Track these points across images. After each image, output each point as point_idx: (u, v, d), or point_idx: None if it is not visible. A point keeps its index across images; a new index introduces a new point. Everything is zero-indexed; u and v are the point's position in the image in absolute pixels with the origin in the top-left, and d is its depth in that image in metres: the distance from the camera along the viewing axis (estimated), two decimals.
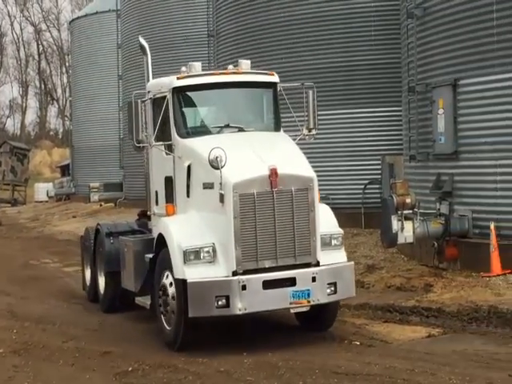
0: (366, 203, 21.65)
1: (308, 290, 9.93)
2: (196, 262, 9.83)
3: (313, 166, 10.47)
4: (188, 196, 10.74)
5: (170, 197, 11.20)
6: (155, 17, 34.74)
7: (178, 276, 9.95)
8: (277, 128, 11.54)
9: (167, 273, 10.29)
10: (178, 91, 11.06)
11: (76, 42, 47.53)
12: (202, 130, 11.34)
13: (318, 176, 10.26)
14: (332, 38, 23.05)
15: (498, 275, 13.95)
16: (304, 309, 10.11)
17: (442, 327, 11.15)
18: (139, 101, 10.92)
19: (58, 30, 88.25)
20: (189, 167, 10.65)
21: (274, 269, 9.87)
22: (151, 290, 10.99)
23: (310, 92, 11.39)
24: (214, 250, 9.84)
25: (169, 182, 11.27)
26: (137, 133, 10.82)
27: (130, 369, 9.43)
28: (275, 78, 11.45)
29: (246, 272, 9.74)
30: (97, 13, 44.49)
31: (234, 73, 11.27)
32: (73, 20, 50.19)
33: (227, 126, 11.24)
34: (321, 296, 10.05)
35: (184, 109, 11.33)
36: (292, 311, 10.23)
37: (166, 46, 33.58)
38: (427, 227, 14.79)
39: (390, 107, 22.25)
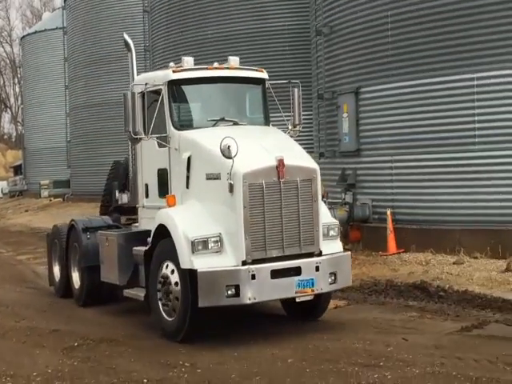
0: None
1: (312, 279, 9.09)
2: (204, 252, 8.81)
3: None
4: (187, 187, 9.59)
5: (163, 189, 10.04)
6: (97, 33, 34.51)
7: (185, 266, 8.86)
8: (267, 123, 10.68)
9: (167, 263, 9.28)
10: (173, 84, 9.96)
11: (27, 55, 46.57)
12: (198, 123, 10.23)
13: None
14: (250, 54, 22.80)
15: (394, 254, 14.38)
16: (308, 298, 9.26)
17: (347, 299, 11.27)
18: (136, 92, 9.82)
19: (11, 46, 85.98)
20: (189, 159, 9.54)
21: (280, 258, 8.99)
22: (146, 283, 9.86)
23: (296, 90, 10.59)
24: (221, 240, 8.86)
25: (163, 174, 10.10)
26: (133, 125, 9.67)
27: (76, 344, 9.22)
28: (265, 75, 10.61)
29: (254, 261, 8.82)
30: (45, 30, 43.95)
31: (228, 68, 10.42)
32: (24, 36, 49.16)
33: (222, 119, 10.20)
34: (323, 285, 9.21)
35: (179, 102, 10.25)
36: (297, 300, 9.25)
37: (106, 59, 33.36)
38: (335, 214, 14.96)
39: (302, 112, 22.55)
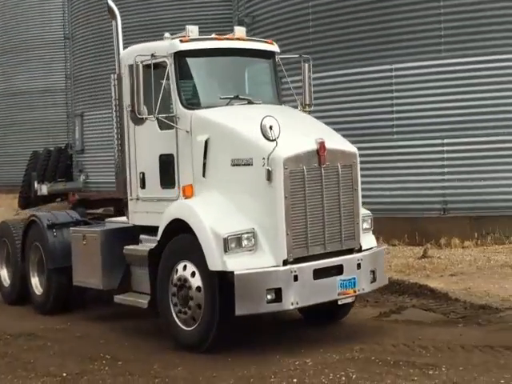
0: None
1: (354, 278, 7.98)
2: (237, 251, 7.50)
3: None
4: (204, 176, 8.20)
5: (168, 178, 8.59)
6: (14, 20, 33.16)
7: (215, 268, 7.51)
8: (280, 102, 9.31)
9: (185, 264, 7.97)
10: (182, 56, 8.51)
11: None
12: (209, 102, 8.66)
13: None
14: None
15: None
16: (350, 300, 8.22)
17: None
18: (141, 64, 8.17)
19: None
20: (206, 142, 8.20)
21: (321, 256, 7.84)
22: (151, 287, 8.44)
23: (306, 65, 9.36)
24: (255, 237, 7.59)
25: (167, 160, 8.59)
26: (138, 103, 8.17)
27: None
28: (276, 48, 9.30)
29: (295, 260, 7.63)
30: None
31: (238, 39, 9.06)
32: None
33: (236, 97, 8.80)
34: (365, 284, 8.11)
35: (188, 77, 8.74)
36: (340, 303, 8.11)
37: (24, 47, 32.45)
38: None
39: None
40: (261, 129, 7.46)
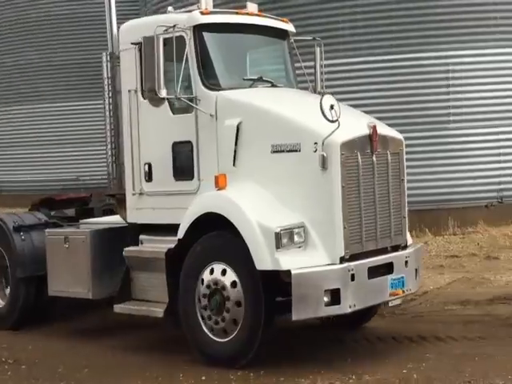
0: None
1: (403, 277, 7.24)
2: (289, 248, 6.63)
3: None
4: (234, 165, 7.26)
5: (184, 169, 7.57)
6: None
7: (265, 267, 6.60)
8: (296, 85, 8.48)
9: (219, 266, 7.02)
10: (202, 30, 7.55)
11: None
12: (232, 83, 7.74)
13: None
14: (53, 38, 23.93)
15: None
16: (399, 301, 7.51)
17: None
18: (161, 37, 7.10)
19: None
20: (238, 127, 7.23)
21: (370, 253, 7.05)
22: (169, 295, 7.38)
23: (318, 49, 8.57)
24: (306, 231, 6.75)
25: (183, 149, 7.57)
26: (159, 80, 7.06)
27: None
28: (293, 28, 8.59)
29: (351, 258, 6.83)
30: None
31: (258, 15, 8.11)
32: None
33: (260, 79, 7.94)
34: (411, 284, 7.41)
35: (209, 54, 7.66)
36: (390, 304, 7.37)
37: None
38: None
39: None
40: (321, 108, 6.58)
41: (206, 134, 7.44)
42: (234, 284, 6.94)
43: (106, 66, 8.41)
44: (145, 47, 7.22)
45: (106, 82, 8.45)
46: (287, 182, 6.98)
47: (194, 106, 7.44)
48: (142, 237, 8.04)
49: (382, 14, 14.63)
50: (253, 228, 6.71)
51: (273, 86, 8.03)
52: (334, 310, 6.72)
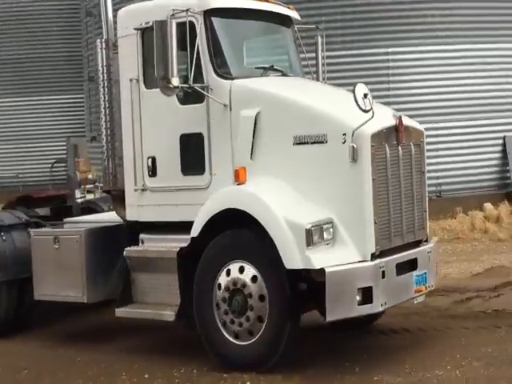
0: (55, 180, 20.09)
1: (425, 273, 7.00)
2: (318, 245, 6.28)
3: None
4: (251, 158, 6.83)
5: (194, 162, 7.12)
6: None
7: (296, 265, 6.22)
8: (303, 75, 8.10)
9: (239, 264, 6.60)
10: (213, 15, 7.10)
11: None
12: (244, 71, 7.39)
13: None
14: (18, 35, 23.78)
15: None
16: (422, 298, 7.14)
17: None
18: (174, 22, 6.59)
19: None
20: (256, 118, 6.79)
21: (397, 249, 6.74)
22: (181, 297, 6.94)
23: (319, 37, 8.28)
24: (334, 227, 6.41)
25: (193, 141, 7.12)
26: (172, 68, 6.55)
27: None
28: (298, 16, 8.15)
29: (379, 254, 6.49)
30: None
31: (267, 0, 7.63)
32: None
33: (271, 67, 7.54)
34: (432, 280, 7.15)
35: (222, 40, 7.21)
36: (415, 302, 7.06)
37: None
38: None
39: (73, 94, 23.15)
40: (354, 97, 6.25)
41: (219, 126, 7.00)
42: (254, 279, 6.56)
43: (101, 53, 7.87)
44: (156, 32, 6.69)
45: (100, 71, 7.90)
46: (312, 175, 6.61)
47: (208, 95, 6.99)
48: (142, 236, 7.56)
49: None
50: (281, 225, 6.32)
51: (283, 75, 7.66)
52: (367, 309, 6.40)
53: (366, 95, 6.29)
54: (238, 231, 6.68)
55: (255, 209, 6.50)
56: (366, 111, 6.29)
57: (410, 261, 6.90)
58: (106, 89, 7.88)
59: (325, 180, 6.55)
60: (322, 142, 6.55)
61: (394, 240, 6.71)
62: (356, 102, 6.26)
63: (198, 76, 7.02)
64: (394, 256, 6.65)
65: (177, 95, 7.15)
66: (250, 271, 6.57)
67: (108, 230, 8.00)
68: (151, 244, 7.49)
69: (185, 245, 6.95)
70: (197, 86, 6.96)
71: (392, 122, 6.75)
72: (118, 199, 7.97)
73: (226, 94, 6.95)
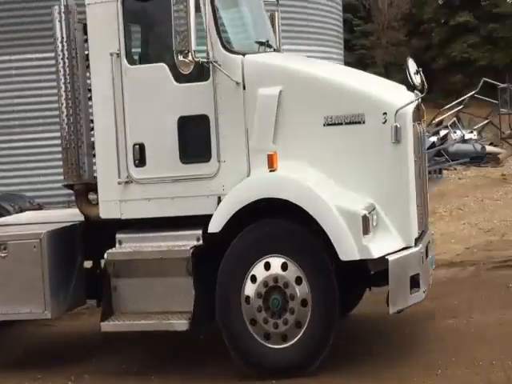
0: None
1: (433, 256, 6.88)
2: (369, 232, 5.79)
3: None
4: (273, 142, 6.17)
5: (197, 149, 6.35)
6: None
7: (353, 257, 5.71)
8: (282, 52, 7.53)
9: (276, 259, 5.95)
10: None
11: None
12: (246, 46, 6.65)
13: None
14: None
15: None
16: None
17: None
18: None
19: None
20: (279, 96, 6.13)
21: None
22: (196, 302, 6.13)
23: (277, 14, 7.60)
24: (377, 213, 5.96)
25: (195, 125, 6.33)
26: (190, 41, 5.82)
27: None
28: None
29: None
30: None
31: None
32: None
33: (267, 43, 6.83)
34: (433, 263, 6.94)
35: (228, 11, 6.59)
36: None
37: None
38: None
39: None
40: (408, 73, 5.94)
41: (229, 106, 6.26)
42: (298, 280, 5.98)
43: (60, 23, 6.68)
44: (175, 1, 5.86)
45: (59, 44, 6.69)
46: (346, 158, 6.14)
47: (222, 70, 6.19)
48: (119, 236, 6.55)
49: None
50: (334, 214, 5.79)
51: (275, 50, 7.07)
52: (416, 298, 6.07)
53: (417, 71, 6.00)
54: (278, 221, 6.04)
55: (300, 197, 5.91)
56: (419, 89, 6.03)
57: (427, 245, 6.68)
58: (67, 62, 6.71)
59: (362, 163, 6.12)
60: (358, 123, 6.10)
61: (420, 225, 6.42)
62: (410, 78, 5.97)
63: (200, 51, 6.16)
64: (423, 241, 6.40)
65: (172, 72, 6.29)
66: (294, 270, 5.98)
67: (68, 232, 6.87)
68: (133, 244, 6.53)
69: (189, 242, 6.21)
70: (215, 62, 6.18)
71: (413, 98, 6.36)
72: (82, 195, 6.89)
73: (238, 71, 6.23)
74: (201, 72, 6.26)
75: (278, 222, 6.05)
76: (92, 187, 6.86)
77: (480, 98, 29.48)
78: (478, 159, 22.98)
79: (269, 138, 6.22)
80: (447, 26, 35.45)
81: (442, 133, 25.34)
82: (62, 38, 6.70)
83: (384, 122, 6.02)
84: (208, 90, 6.27)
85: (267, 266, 6.06)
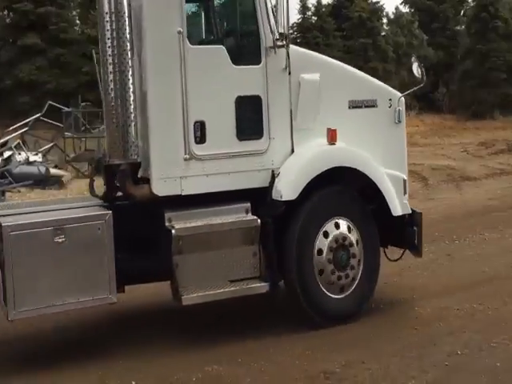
0: None
1: None
2: (406, 193, 7.67)
3: None
4: (314, 121, 7.13)
5: (251, 127, 6.89)
6: None
7: (400, 212, 7.45)
8: None
9: (343, 221, 7.17)
10: None
11: None
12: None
13: None
14: None
15: None
16: None
17: None
18: None
19: None
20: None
21: None
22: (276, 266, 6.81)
23: None
24: None
25: (249, 105, 6.86)
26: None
27: None
28: None
29: None
30: None
31: None
32: None
33: None
34: None
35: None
36: None
37: None
38: None
39: None
40: (412, 67, 7.68)
41: (277, 89, 7.07)
42: (357, 242, 7.25)
43: None
44: None
45: (108, 19, 6.51)
46: (365, 134, 7.52)
47: (287, 56, 6.98)
48: (168, 214, 6.76)
49: None
50: (385, 178, 7.27)
51: None
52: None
53: (419, 65, 7.73)
54: (345, 189, 7.25)
55: (361, 165, 7.21)
56: (420, 79, 7.74)
57: None
58: (115, 38, 6.54)
59: (376, 138, 7.59)
60: (373, 106, 7.63)
61: None
62: (413, 70, 7.69)
63: (254, 37, 6.99)
64: None
65: (230, 54, 6.89)
66: (355, 232, 7.24)
67: (124, 211, 6.70)
68: (187, 221, 6.82)
69: (239, 215, 6.92)
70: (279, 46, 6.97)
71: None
72: (128, 175, 6.76)
73: (284, 58, 7.06)
74: (255, 55, 6.97)
75: (345, 190, 7.24)
76: (136, 167, 6.81)
77: (46, 121, 30.41)
78: (43, 181, 23.41)
79: (311, 118, 7.27)
80: (16, 46, 34.79)
81: (7, 154, 25.24)
82: (111, 12, 6.55)
83: (389, 107, 7.69)
84: (260, 73, 6.99)
85: (337, 226, 7.16)
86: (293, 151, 7.21)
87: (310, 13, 46.46)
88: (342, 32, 41.71)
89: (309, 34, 44.41)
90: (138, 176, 6.84)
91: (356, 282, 7.28)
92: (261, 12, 6.94)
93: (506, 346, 6.40)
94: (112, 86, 6.61)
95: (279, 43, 6.85)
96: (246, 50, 7.05)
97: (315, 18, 45.95)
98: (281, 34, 6.85)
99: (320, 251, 7.10)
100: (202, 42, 7.11)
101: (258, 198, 7.01)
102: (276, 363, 6.34)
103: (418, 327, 7.03)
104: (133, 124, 6.68)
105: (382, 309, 7.61)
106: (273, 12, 6.97)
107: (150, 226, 6.69)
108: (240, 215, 6.90)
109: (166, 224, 6.71)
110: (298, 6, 45.54)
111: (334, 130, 7.25)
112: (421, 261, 8.38)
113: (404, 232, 7.61)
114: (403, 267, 8.76)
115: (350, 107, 7.56)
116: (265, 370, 6.21)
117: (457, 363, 6.10)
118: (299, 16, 46.52)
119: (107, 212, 6.46)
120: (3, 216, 6.36)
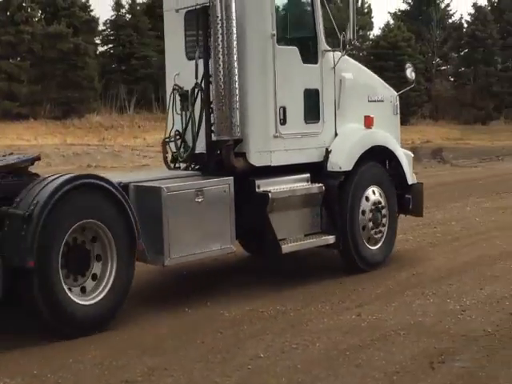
0: None
1: None
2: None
3: None
4: (349, 110, 9.38)
5: (313, 113, 8.92)
6: None
7: (412, 182, 9.90)
8: None
9: (376, 189, 9.45)
10: None
11: None
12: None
13: None
14: None
15: None
16: None
17: None
18: None
19: None
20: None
21: None
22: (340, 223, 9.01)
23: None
24: None
25: (312, 95, 8.89)
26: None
27: None
28: None
29: None
30: None
31: None
32: None
33: None
34: None
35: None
36: None
37: None
38: None
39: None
40: (406, 71, 10.23)
41: (328, 84, 9.11)
42: (385, 206, 9.49)
43: (221, 4, 8.10)
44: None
45: (220, 22, 8.07)
46: (378, 121, 9.69)
47: (333, 49, 9.10)
48: (258, 181, 8.42)
49: None
50: (402, 154, 9.73)
51: None
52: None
53: (412, 70, 10.23)
54: (378, 164, 9.49)
55: (390, 145, 9.56)
56: (412, 81, 10.23)
57: None
58: (225, 41, 8.09)
59: (384, 124, 9.82)
60: (382, 101, 9.98)
61: None
62: (407, 74, 10.17)
63: (313, 41, 9.00)
64: None
65: (300, 54, 8.80)
66: (384, 199, 9.45)
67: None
68: (272, 187, 8.51)
69: (303, 183, 8.82)
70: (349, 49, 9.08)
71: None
72: (231, 149, 8.34)
73: (331, 60, 9.12)
74: (315, 56, 8.97)
75: (378, 165, 9.47)
76: (236, 143, 8.44)
77: None
78: None
79: (348, 107, 9.36)
80: None
81: None
82: (222, 16, 8.12)
83: (391, 102, 10.08)
84: (318, 70, 9.01)
85: (374, 193, 9.32)
86: (336, 134, 9.27)
87: (124, 10, 47.22)
88: (157, 32, 40.06)
89: (122, 32, 45.21)
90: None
91: (383, 237, 9.50)
92: (319, 21, 8.96)
93: (305, 348, 6.46)
94: (222, 79, 8.20)
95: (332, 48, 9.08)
96: (309, 52, 8.94)
97: (129, 16, 46.49)
98: (343, 42, 8.95)
99: (363, 212, 9.21)
100: (280, 44, 8.71)
101: (313, 170, 8.96)
102: (72, 373, 5.99)
103: (222, 331, 6.98)
104: (237, 109, 8.29)
105: (187, 312, 7.66)
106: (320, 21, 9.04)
107: (243, 192, 8.28)
108: (305, 183, 8.81)
109: (257, 190, 8.42)
110: (112, 3, 45.60)
111: (372, 118, 9.48)
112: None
113: (401, 200, 9.93)
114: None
115: (368, 101, 9.83)
116: (61, 382, 5.85)
117: (259, 366, 6.04)
118: (113, 13, 46.85)
119: (230, 177, 8.00)
120: (149, 181, 7.74)
